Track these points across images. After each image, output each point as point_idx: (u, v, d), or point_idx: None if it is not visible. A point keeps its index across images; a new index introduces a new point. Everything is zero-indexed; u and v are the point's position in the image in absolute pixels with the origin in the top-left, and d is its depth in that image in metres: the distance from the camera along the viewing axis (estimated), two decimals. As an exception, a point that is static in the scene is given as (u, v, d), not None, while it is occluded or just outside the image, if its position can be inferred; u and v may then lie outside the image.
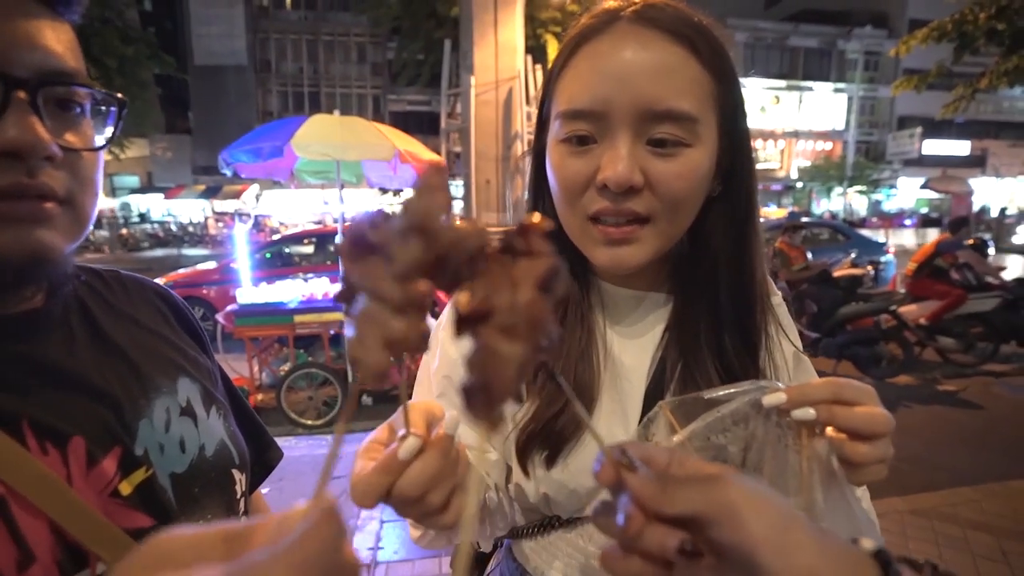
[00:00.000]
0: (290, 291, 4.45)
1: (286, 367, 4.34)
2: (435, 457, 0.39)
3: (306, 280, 4.72)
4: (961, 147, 32.02)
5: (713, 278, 0.61)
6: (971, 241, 5.29)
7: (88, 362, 0.50)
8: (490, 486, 0.64)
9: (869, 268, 6.06)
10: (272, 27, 28.73)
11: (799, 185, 32.09)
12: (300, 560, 0.20)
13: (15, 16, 0.39)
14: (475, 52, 13.85)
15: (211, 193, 23.24)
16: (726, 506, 0.28)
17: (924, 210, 26.27)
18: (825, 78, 32.13)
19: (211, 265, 7.09)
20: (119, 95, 0.47)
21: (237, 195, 22.64)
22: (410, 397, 0.71)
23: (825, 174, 29.84)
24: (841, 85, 31.98)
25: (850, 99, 31.95)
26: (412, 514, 0.40)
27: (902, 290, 5.35)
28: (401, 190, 5.39)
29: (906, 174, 30.60)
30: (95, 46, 9.79)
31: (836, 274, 5.19)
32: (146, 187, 25.94)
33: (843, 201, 30.80)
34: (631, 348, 0.65)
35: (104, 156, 0.48)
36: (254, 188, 22.99)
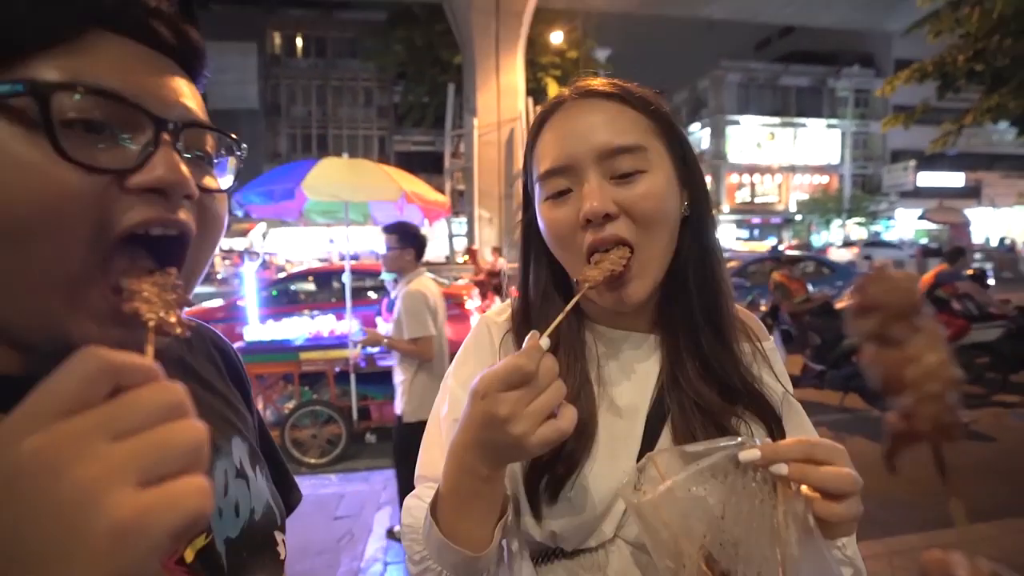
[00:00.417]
0: (296, 329, 4.49)
1: (291, 404, 4.34)
2: (554, 359, 0.51)
3: (312, 317, 4.77)
4: (956, 179, 32.52)
5: (686, 291, 0.67)
6: (970, 271, 5.33)
7: None
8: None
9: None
10: (283, 73, 29.88)
11: (798, 218, 32.43)
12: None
13: (163, 73, 0.43)
14: (478, 95, 14.37)
15: (219, 232, 23.49)
16: None
17: (924, 240, 26.39)
18: (818, 115, 32.97)
19: (218, 303, 7.17)
20: (241, 142, 0.50)
21: (244, 233, 23.00)
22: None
23: (823, 207, 30.23)
24: (834, 121, 32.81)
25: (843, 134, 32.71)
26: (542, 408, 0.50)
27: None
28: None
29: (903, 205, 30.97)
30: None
31: (838, 305, 5.22)
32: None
33: (842, 233, 31.05)
34: (627, 388, 0.68)
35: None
36: (261, 226, 23.36)
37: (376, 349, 4.15)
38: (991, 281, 5.84)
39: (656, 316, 0.71)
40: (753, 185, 32.62)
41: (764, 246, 20.17)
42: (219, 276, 18.20)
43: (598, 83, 0.67)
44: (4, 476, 0.24)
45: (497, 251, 10.67)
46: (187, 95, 0.44)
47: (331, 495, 3.65)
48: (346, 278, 4.39)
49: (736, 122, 31.74)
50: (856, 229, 31.81)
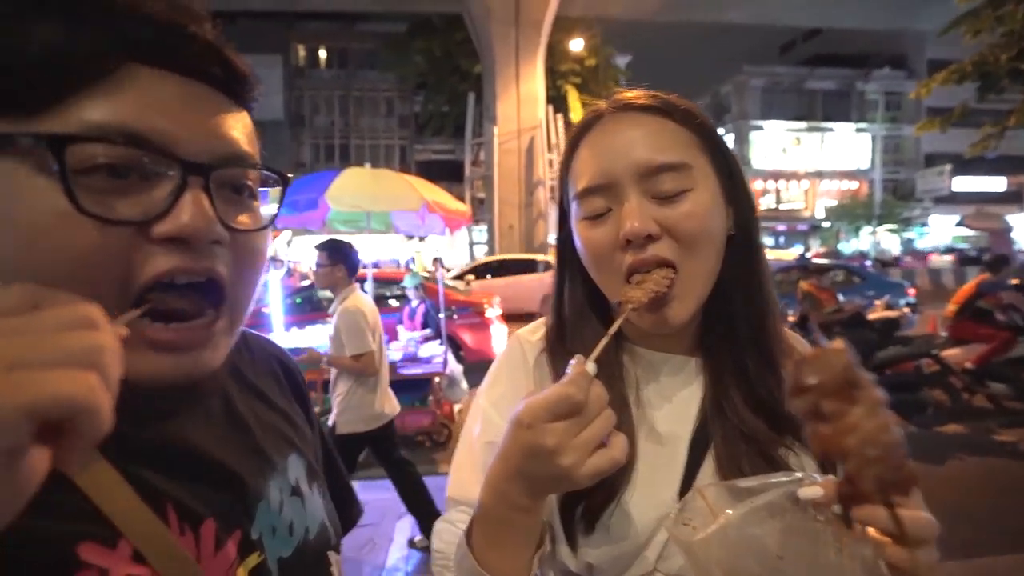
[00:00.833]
0: (320, 336, 4.53)
1: (315, 411, 4.36)
2: (602, 386, 0.48)
3: (335, 325, 4.80)
4: (996, 183, 31.36)
5: (730, 314, 0.64)
6: (1015, 281, 5.10)
7: (220, 440, 0.50)
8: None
9: (906, 310, 5.88)
10: (307, 85, 30.59)
11: (826, 225, 31.70)
12: None
13: (200, 107, 0.41)
14: (498, 104, 14.47)
15: (245, 240, 24.11)
16: None
17: (962, 246, 25.46)
18: (846, 119, 32.25)
19: (243, 311, 7.28)
20: (287, 174, 0.48)
21: (269, 242, 23.48)
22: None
23: (852, 213, 29.47)
24: (863, 125, 32.04)
25: (873, 138, 31.91)
26: (593, 439, 0.47)
27: (943, 333, 5.14)
28: (425, 237, 5.52)
29: (938, 211, 30.00)
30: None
31: (870, 317, 5.04)
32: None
33: (872, 240, 30.22)
34: (667, 414, 0.65)
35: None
36: (286, 234, 23.85)
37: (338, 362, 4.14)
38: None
39: (698, 338, 0.67)
40: (778, 191, 32.01)
41: (790, 254, 19.69)
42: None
43: (637, 96, 0.64)
44: None
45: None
46: (226, 127, 0.43)
47: (352, 504, 3.64)
48: (368, 287, 4.42)
49: (760, 127, 31.25)
50: (887, 236, 30.92)
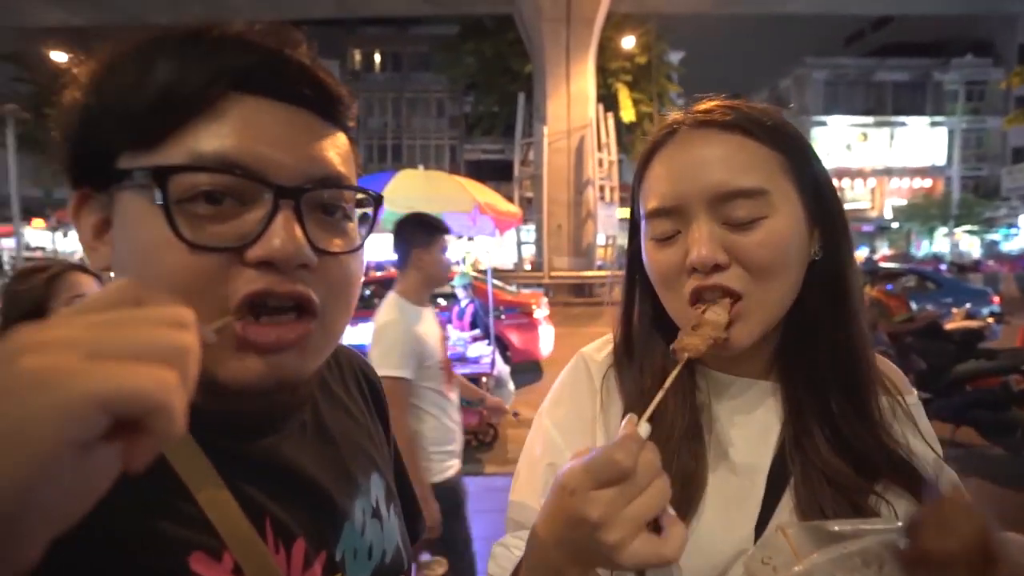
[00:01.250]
0: (371, 334, 4.66)
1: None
2: (655, 450, 0.43)
3: (386, 323, 4.93)
4: (1095, 180, 28.35)
5: (813, 342, 0.60)
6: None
7: (314, 457, 0.50)
8: None
9: (990, 320, 5.41)
10: (362, 87, 31.57)
11: (894, 226, 29.68)
12: None
13: (294, 131, 0.42)
14: (548, 103, 14.42)
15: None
16: None
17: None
18: (919, 112, 30.04)
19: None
20: (378, 194, 0.49)
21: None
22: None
23: (925, 213, 27.44)
24: (939, 118, 29.72)
25: (951, 132, 29.54)
26: (642, 513, 0.41)
27: (1034, 346, 4.70)
28: (473, 238, 5.57)
29: (1027, 211, 27.47)
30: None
31: (948, 327, 4.67)
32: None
33: (949, 242, 28.02)
34: (742, 441, 0.62)
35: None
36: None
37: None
38: None
39: (777, 364, 0.63)
40: (841, 190, 29.85)
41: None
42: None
43: (717, 110, 0.60)
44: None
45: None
46: (320, 149, 0.44)
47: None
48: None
49: (823, 123, 29.59)
50: (966, 238, 28.61)
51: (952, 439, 4.32)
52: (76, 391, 0.21)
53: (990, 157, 29.81)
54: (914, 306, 5.74)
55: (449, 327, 5.46)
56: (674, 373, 0.51)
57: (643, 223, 0.63)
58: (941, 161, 30.00)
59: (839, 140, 29.94)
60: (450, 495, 2.10)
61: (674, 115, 0.63)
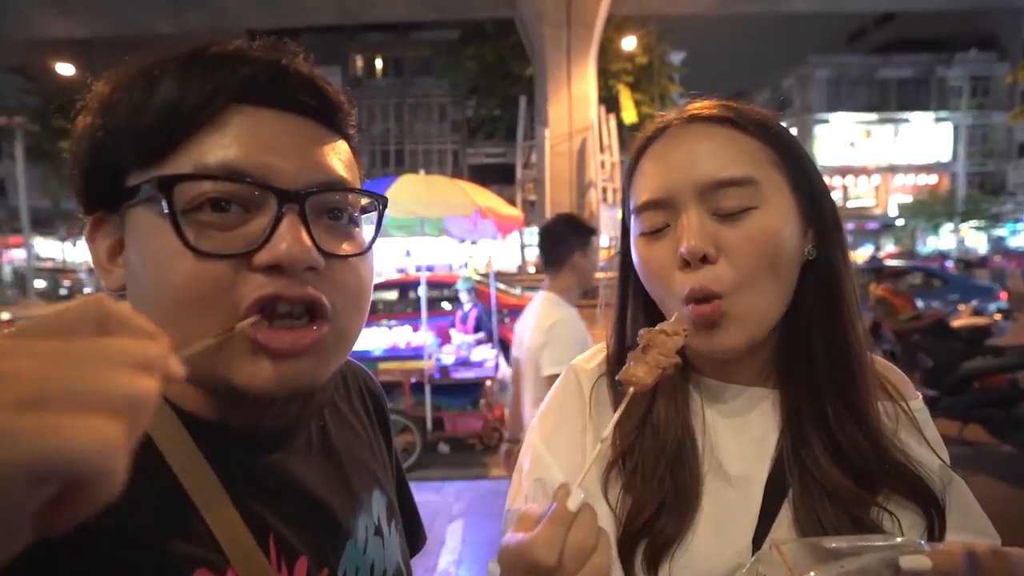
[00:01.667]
0: (374, 339, 4.68)
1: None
2: (593, 512, 0.41)
3: (390, 328, 4.95)
4: (1102, 175, 28.06)
5: (810, 347, 0.58)
6: None
7: (318, 473, 0.50)
8: None
9: (997, 317, 5.36)
10: (364, 93, 31.69)
11: (899, 223, 29.45)
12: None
13: (295, 138, 0.43)
14: (549, 106, 14.42)
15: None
16: None
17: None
18: (923, 108, 29.80)
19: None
20: (383, 195, 0.49)
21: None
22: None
23: (930, 210, 27.21)
24: (943, 114, 29.49)
25: (956, 128, 29.31)
26: None
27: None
28: (476, 241, 5.59)
29: (1034, 206, 27.20)
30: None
31: (955, 324, 4.63)
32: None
33: (955, 239, 27.77)
34: (738, 452, 0.60)
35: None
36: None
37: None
38: None
39: (773, 370, 0.62)
40: (845, 188, 30.02)
41: (859, 255, 18.35)
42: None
43: (706, 106, 0.60)
44: None
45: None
46: (321, 155, 0.44)
47: (406, 504, 3.73)
48: (422, 291, 4.52)
49: (825, 121, 29.44)
50: (973, 235, 28.34)
51: (960, 437, 4.29)
52: (2, 456, 0.18)
53: (996, 152, 29.52)
54: (920, 304, 5.70)
55: (452, 331, 5.47)
56: (621, 407, 0.49)
57: (632, 219, 0.61)
58: (946, 157, 29.74)
59: (843, 138, 29.75)
60: None
61: (664, 115, 0.62)
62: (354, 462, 0.55)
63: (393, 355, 4.46)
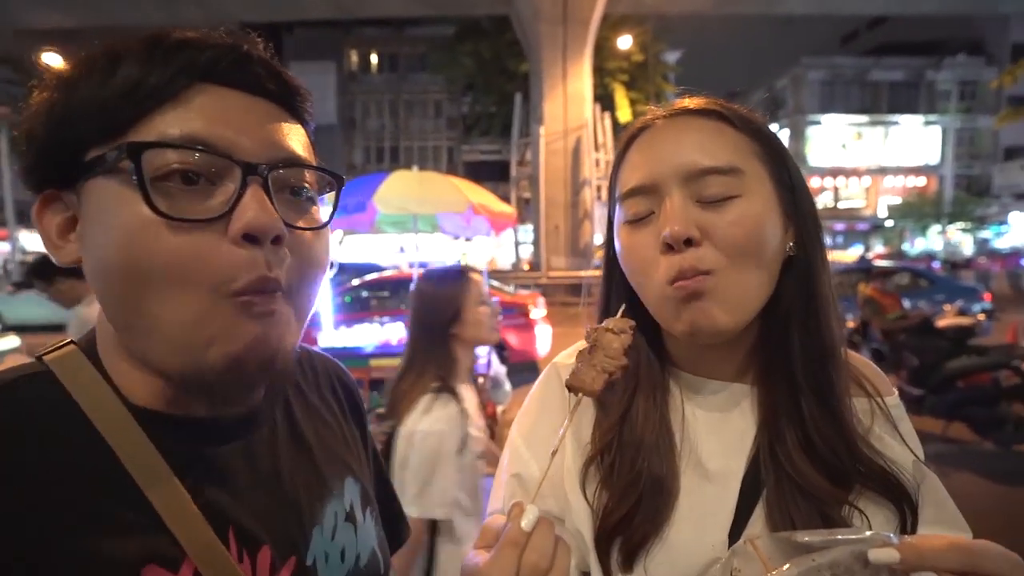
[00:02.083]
0: (367, 336, 4.67)
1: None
2: (549, 528, 0.41)
3: (382, 325, 4.95)
4: (1087, 179, 28.49)
5: (787, 342, 0.58)
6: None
7: (284, 462, 0.50)
8: None
9: (981, 317, 5.44)
10: (358, 89, 31.53)
11: (889, 224, 29.77)
12: None
13: (257, 117, 0.44)
14: (545, 104, 14.43)
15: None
16: None
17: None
18: (913, 111, 30.12)
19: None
20: (339, 175, 0.49)
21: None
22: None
23: (919, 211, 27.56)
24: (933, 117, 29.82)
25: (944, 131, 29.67)
26: None
27: (1024, 342, 4.73)
28: (471, 238, 5.59)
29: (1020, 208, 27.56)
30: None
31: (940, 324, 4.70)
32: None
33: (942, 240, 28.14)
34: (716, 447, 0.60)
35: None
36: (337, 233, 24.70)
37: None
38: None
39: (752, 365, 0.62)
40: (836, 189, 30.30)
41: (849, 255, 18.47)
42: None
43: (693, 101, 0.61)
44: None
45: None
46: (282, 135, 0.46)
47: (398, 500, 3.72)
48: (414, 287, 4.50)
49: (818, 122, 29.68)
50: (959, 236, 28.73)
51: (944, 435, 4.36)
52: None
53: (982, 156, 29.92)
54: (907, 304, 5.77)
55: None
56: (572, 413, 0.49)
57: (617, 209, 0.61)
58: (934, 160, 30.10)
59: (834, 139, 30.01)
60: None
61: (652, 110, 0.63)
62: (324, 450, 0.55)
63: (385, 352, 4.45)
